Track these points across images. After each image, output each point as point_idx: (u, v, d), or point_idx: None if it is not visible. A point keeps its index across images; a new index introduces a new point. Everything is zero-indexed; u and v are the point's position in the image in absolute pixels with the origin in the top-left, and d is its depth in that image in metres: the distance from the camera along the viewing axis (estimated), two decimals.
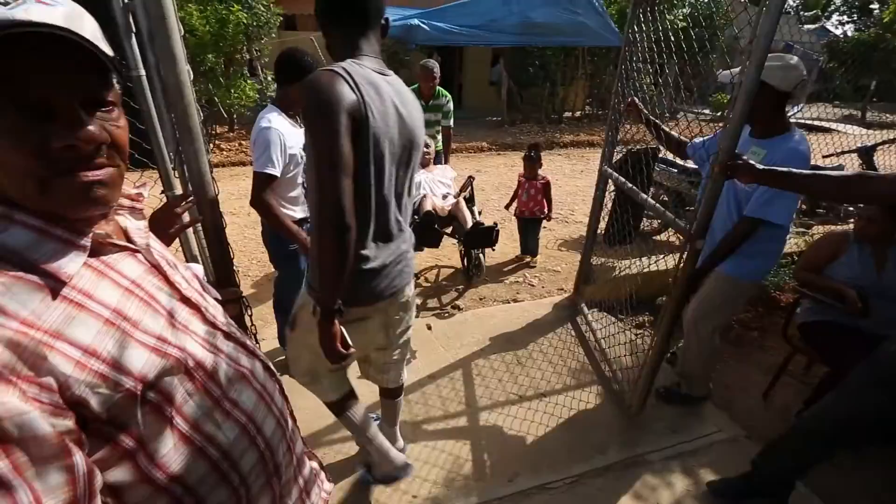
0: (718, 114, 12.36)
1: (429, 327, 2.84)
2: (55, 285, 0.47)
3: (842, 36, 16.31)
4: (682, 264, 1.77)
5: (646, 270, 3.18)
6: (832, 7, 21.95)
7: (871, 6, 20.33)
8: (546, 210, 3.71)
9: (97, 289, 0.51)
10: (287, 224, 1.82)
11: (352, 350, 1.12)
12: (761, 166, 1.50)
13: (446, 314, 3.06)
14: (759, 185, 1.65)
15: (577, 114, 11.76)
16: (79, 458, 0.45)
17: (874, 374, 1.46)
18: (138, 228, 0.63)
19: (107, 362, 0.49)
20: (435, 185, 3.31)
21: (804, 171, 1.42)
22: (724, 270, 1.92)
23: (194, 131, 1.01)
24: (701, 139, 2.07)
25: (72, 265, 0.49)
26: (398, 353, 1.54)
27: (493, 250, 3.92)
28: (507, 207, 3.92)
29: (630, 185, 2.43)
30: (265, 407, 0.70)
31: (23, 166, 0.45)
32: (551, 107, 10.96)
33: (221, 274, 1.21)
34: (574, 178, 6.98)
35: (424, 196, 3.15)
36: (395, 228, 1.22)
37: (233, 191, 5.36)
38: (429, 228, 2.93)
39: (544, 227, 4.04)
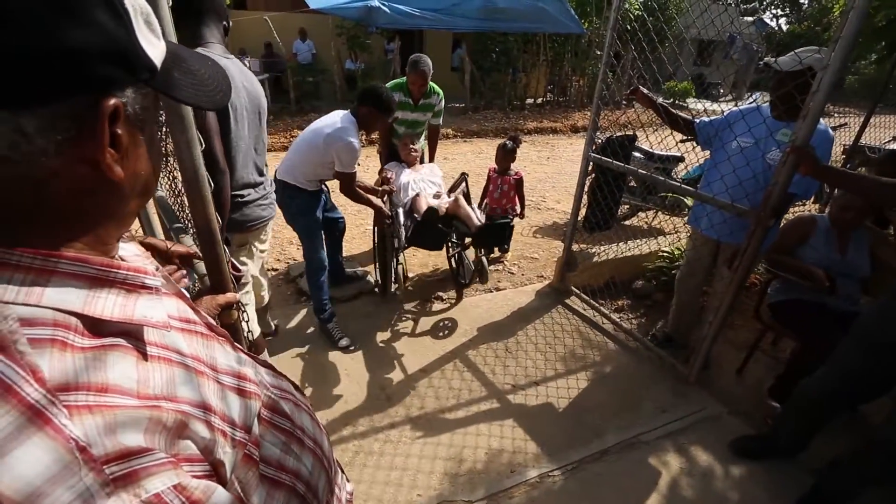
0: (670, 101, 12.93)
1: (415, 321, 2.79)
2: (138, 343, 0.38)
3: (776, 28, 17.36)
4: (751, 240, 1.90)
5: (624, 255, 3.25)
6: (767, 1, 23.33)
7: (801, 0, 21.84)
8: (519, 208, 3.43)
9: (165, 338, 0.41)
10: (371, 199, 2.53)
11: (243, 270, 1.34)
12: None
13: (429, 310, 3.00)
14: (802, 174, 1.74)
15: (539, 100, 11.87)
16: None
17: (860, 338, 1.60)
18: (136, 255, 0.52)
19: (220, 416, 0.41)
20: (425, 185, 3.06)
21: (856, 174, 1.68)
22: (737, 242, 2.03)
23: (187, 119, 0.88)
24: (708, 118, 2.20)
25: (155, 311, 0.40)
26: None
27: (506, 251, 3.80)
28: (479, 206, 3.74)
29: (640, 169, 2.47)
30: (317, 427, 0.63)
31: (156, 167, 0.44)
32: (514, 93, 11.00)
33: (215, 279, 1.09)
34: (542, 164, 7.05)
35: (417, 195, 2.84)
36: (257, 173, 1.84)
37: None
38: (432, 228, 2.60)
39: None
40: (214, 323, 0.58)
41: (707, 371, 2.46)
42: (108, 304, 0.36)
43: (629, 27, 2.43)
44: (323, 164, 2.27)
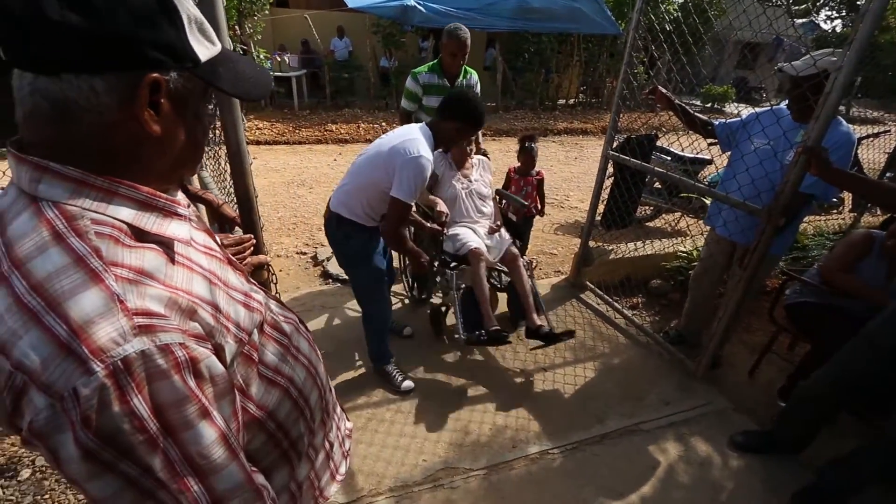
0: (707, 105, 12.58)
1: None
2: (168, 251, 0.51)
3: (830, 32, 16.56)
4: (761, 238, 1.94)
5: (642, 254, 3.29)
6: (821, 1, 22.17)
7: (858, 2, 20.62)
8: (539, 207, 3.34)
9: (190, 253, 0.55)
10: (416, 251, 2.05)
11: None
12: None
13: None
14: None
15: (571, 101, 11.79)
16: (235, 393, 0.54)
17: (864, 339, 1.62)
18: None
19: (226, 316, 0.54)
20: (476, 215, 2.47)
21: (871, 179, 1.62)
22: (750, 242, 2.04)
23: (233, 104, 1.04)
24: (726, 121, 2.23)
25: (181, 231, 0.53)
26: None
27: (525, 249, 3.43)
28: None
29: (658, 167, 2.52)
30: (314, 352, 0.77)
31: (198, 141, 0.56)
32: (545, 93, 10.97)
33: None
34: (568, 164, 7.06)
35: (472, 250, 2.26)
36: None
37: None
38: (495, 338, 2.18)
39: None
40: (236, 261, 0.72)
41: (717, 370, 2.48)
42: (149, 221, 0.50)
43: (666, 27, 2.45)
44: (389, 189, 1.75)
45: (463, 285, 2.36)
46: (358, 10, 8.29)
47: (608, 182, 3.08)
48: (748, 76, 15.71)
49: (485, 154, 2.83)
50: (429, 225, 2.28)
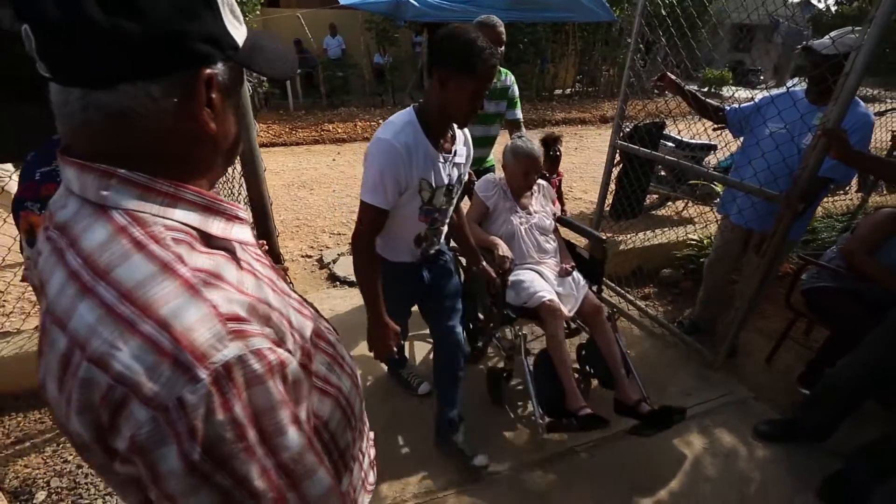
0: (705, 89, 12.51)
1: None
2: (234, 256, 0.49)
3: (824, 9, 16.46)
4: (779, 225, 1.90)
5: (651, 243, 3.25)
6: None
7: None
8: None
9: (249, 258, 0.52)
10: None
11: None
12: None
13: None
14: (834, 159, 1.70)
15: (568, 91, 11.72)
16: (309, 399, 0.52)
17: (890, 328, 1.57)
18: None
19: (288, 322, 0.51)
20: (539, 254, 2.02)
21: (885, 159, 1.57)
22: (766, 230, 2.02)
23: (244, 105, 1.00)
24: (738, 105, 2.19)
25: (245, 235, 0.51)
26: None
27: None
28: None
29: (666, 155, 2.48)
30: (350, 359, 0.75)
31: (239, 131, 0.54)
32: (542, 84, 10.90)
33: (266, 248, 1.21)
34: (569, 155, 7.00)
35: (545, 304, 1.80)
36: None
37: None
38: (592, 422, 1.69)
39: None
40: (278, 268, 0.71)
41: (734, 358, 2.46)
42: (215, 225, 0.48)
43: (662, 12, 2.42)
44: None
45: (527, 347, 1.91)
46: (350, 6, 8.18)
47: (614, 172, 3.04)
48: (744, 58, 15.63)
49: (559, 176, 2.47)
50: (489, 269, 1.76)
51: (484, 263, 1.77)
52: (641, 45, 2.50)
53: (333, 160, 6.29)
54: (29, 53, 0.40)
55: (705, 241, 3.16)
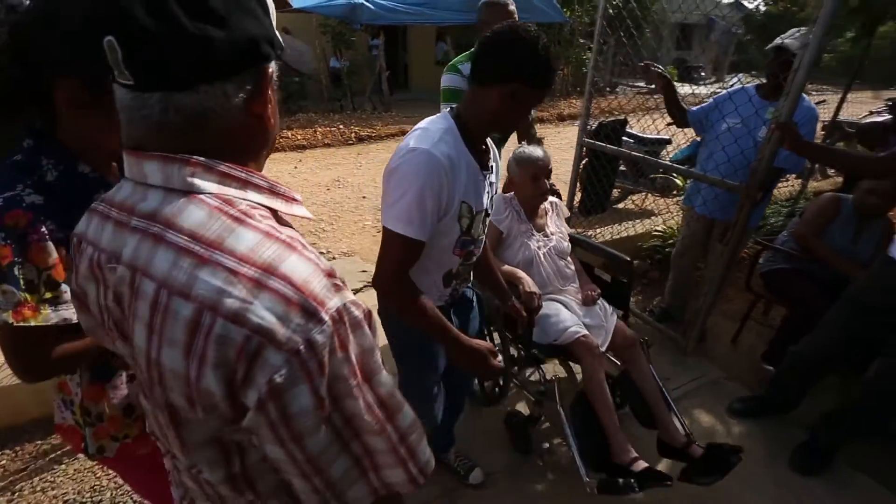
0: (652, 86, 13.13)
1: None
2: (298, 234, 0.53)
3: (754, 9, 17.64)
4: (741, 214, 1.99)
5: (619, 236, 3.37)
6: None
7: None
8: None
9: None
10: (477, 346, 1.23)
11: None
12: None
13: None
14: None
15: None
16: None
17: (849, 301, 1.72)
18: None
19: None
20: (560, 282, 1.83)
21: (836, 149, 1.71)
22: (728, 219, 2.13)
23: None
24: (697, 107, 2.31)
25: (305, 212, 0.56)
26: None
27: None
28: None
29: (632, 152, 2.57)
30: None
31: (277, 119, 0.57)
32: None
33: None
34: None
35: (579, 340, 1.62)
36: None
37: None
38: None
39: None
40: None
41: (704, 342, 2.59)
42: (279, 205, 0.52)
43: (612, 13, 2.53)
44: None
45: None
46: (303, 10, 8.01)
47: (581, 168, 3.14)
48: (685, 56, 16.51)
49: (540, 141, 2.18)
50: (517, 306, 1.47)
51: (514, 300, 1.48)
52: (604, 46, 2.59)
53: (295, 167, 6.13)
54: (109, 65, 0.43)
55: (668, 232, 3.32)
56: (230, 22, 0.44)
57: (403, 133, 8.52)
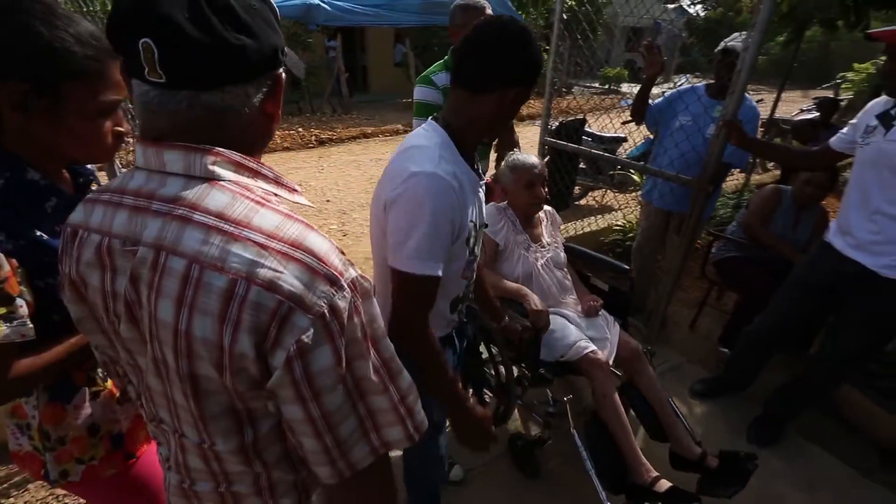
0: (606, 87, 13.64)
1: None
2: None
3: (695, 14, 18.70)
4: (694, 207, 2.08)
5: (582, 232, 3.48)
6: None
7: None
8: None
9: None
10: (471, 405, 1.10)
11: None
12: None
13: None
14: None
15: None
16: None
17: (793, 283, 1.86)
18: None
19: None
20: (561, 294, 1.78)
21: (776, 144, 1.85)
22: (683, 210, 2.23)
23: None
24: (653, 102, 2.41)
25: (305, 200, 0.60)
26: None
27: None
28: None
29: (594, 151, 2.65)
30: None
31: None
32: None
33: None
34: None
35: (588, 357, 1.57)
36: None
37: None
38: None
39: None
40: None
41: (664, 329, 2.72)
42: (283, 193, 0.57)
43: (565, 17, 2.62)
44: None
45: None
46: None
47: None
48: (635, 58, 17.28)
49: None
50: (514, 326, 1.42)
51: (507, 320, 1.41)
52: (548, 47, 2.67)
53: None
54: (142, 64, 0.47)
55: (628, 226, 3.46)
56: (258, 33, 0.50)
57: (365, 135, 8.41)
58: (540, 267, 1.74)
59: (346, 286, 0.49)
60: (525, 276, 1.71)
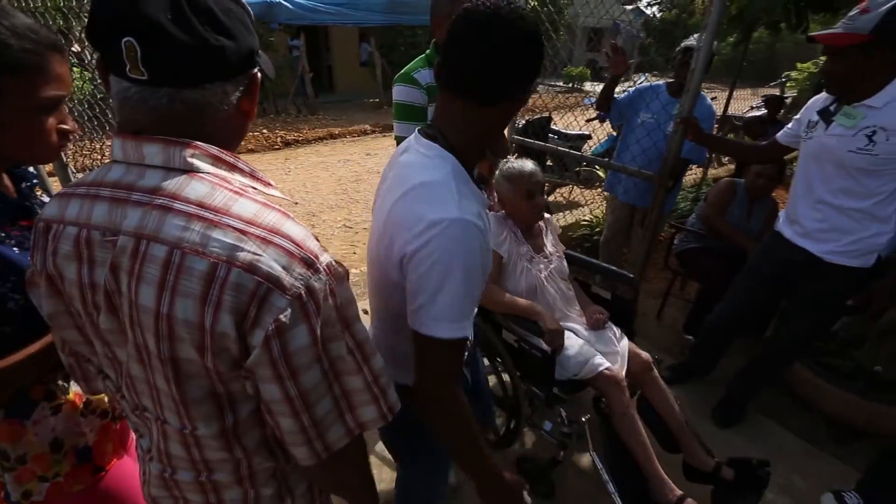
0: (570, 85, 13.96)
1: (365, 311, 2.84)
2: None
3: (652, 15, 19.39)
4: (656, 201, 2.14)
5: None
6: None
7: None
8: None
9: None
10: (501, 472, 0.94)
11: None
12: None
13: None
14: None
15: None
16: None
17: (748, 272, 1.96)
18: None
19: None
20: (566, 307, 1.70)
21: (729, 139, 1.94)
22: (647, 205, 2.31)
23: None
24: (618, 98, 2.48)
25: (279, 194, 0.62)
26: None
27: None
28: None
29: (561, 147, 2.71)
30: None
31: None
32: None
33: None
34: None
35: (603, 374, 1.50)
36: None
37: None
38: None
39: None
40: None
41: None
42: (259, 186, 0.58)
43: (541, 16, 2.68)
44: None
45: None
46: None
47: None
48: (597, 58, 17.77)
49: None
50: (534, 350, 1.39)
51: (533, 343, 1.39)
52: None
53: None
54: (124, 61, 0.48)
55: (595, 221, 3.56)
56: (236, 34, 0.53)
57: (332, 136, 8.25)
58: (544, 279, 1.65)
59: (322, 269, 0.52)
60: (529, 290, 1.61)
